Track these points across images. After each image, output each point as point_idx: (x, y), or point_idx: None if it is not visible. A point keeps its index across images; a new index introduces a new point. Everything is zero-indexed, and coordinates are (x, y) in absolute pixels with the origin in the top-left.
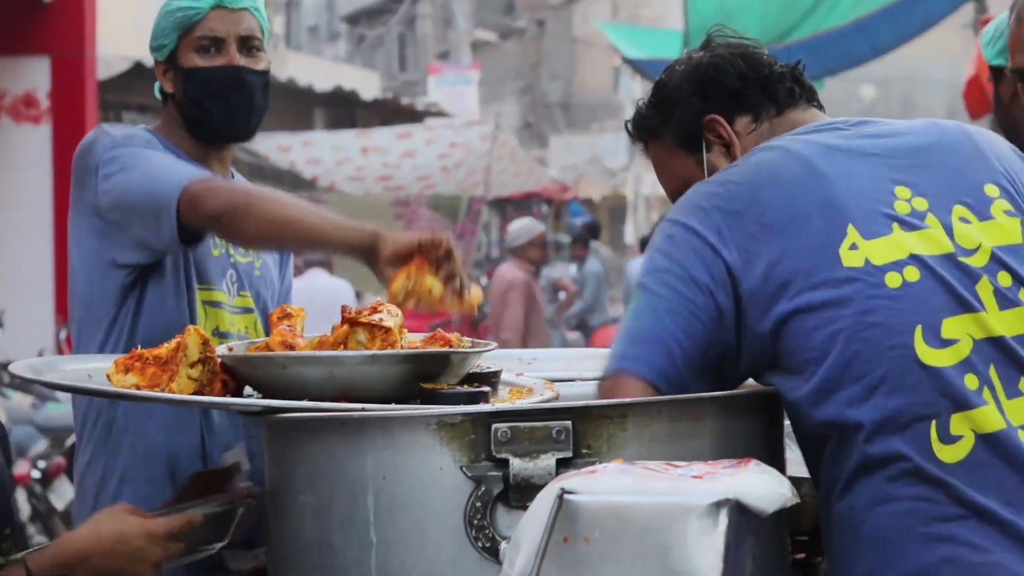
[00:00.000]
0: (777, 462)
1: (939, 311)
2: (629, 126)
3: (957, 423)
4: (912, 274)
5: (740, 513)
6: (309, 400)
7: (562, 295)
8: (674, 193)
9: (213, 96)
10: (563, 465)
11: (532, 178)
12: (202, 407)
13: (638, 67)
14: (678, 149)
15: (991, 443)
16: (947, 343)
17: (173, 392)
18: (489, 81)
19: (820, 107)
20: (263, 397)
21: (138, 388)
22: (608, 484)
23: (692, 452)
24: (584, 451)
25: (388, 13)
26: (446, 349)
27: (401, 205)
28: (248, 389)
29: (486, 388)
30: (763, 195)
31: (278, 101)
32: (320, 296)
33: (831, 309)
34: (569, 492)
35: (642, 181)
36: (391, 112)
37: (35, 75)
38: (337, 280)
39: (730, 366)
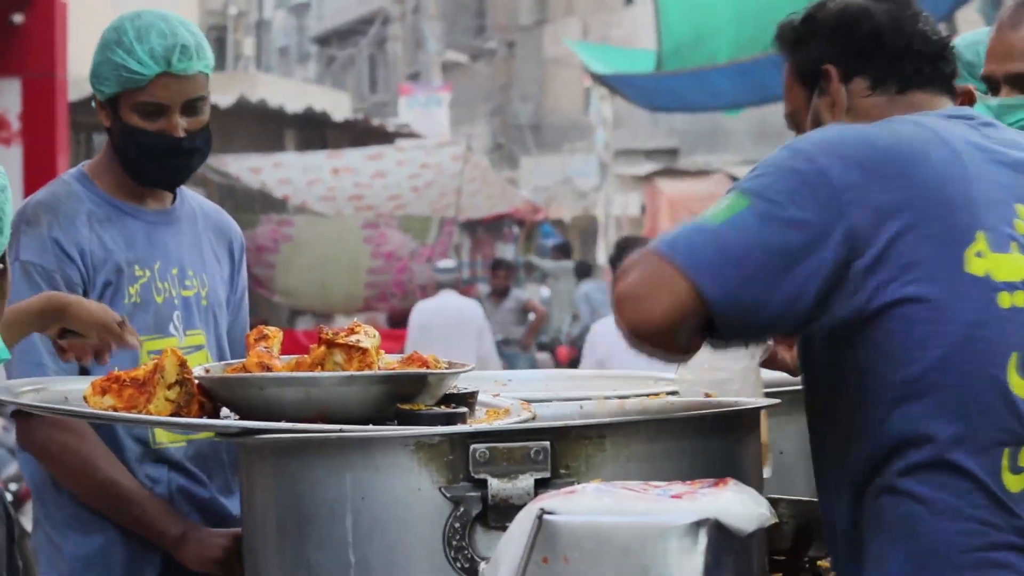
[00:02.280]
0: (755, 482)
1: None
2: (776, 31)
3: None
4: (1021, 299)
5: (719, 533)
6: (286, 421)
7: (531, 316)
8: (787, 115)
9: (149, 159)
10: (541, 485)
11: (504, 199)
12: (180, 428)
13: (607, 83)
14: (798, 79)
15: None
16: None
17: (150, 414)
18: (460, 102)
19: (952, 96)
20: (240, 418)
21: (115, 410)
22: (587, 504)
23: (670, 472)
24: (562, 471)
25: (358, 34)
26: (423, 370)
27: (371, 228)
28: (225, 410)
29: (463, 409)
30: (912, 169)
31: (249, 122)
32: (451, 314)
33: (945, 308)
34: (548, 512)
35: (612, 202)
36: (362, 133)
37: (6, 97)
38: (467, 300)
39: (791, 318)
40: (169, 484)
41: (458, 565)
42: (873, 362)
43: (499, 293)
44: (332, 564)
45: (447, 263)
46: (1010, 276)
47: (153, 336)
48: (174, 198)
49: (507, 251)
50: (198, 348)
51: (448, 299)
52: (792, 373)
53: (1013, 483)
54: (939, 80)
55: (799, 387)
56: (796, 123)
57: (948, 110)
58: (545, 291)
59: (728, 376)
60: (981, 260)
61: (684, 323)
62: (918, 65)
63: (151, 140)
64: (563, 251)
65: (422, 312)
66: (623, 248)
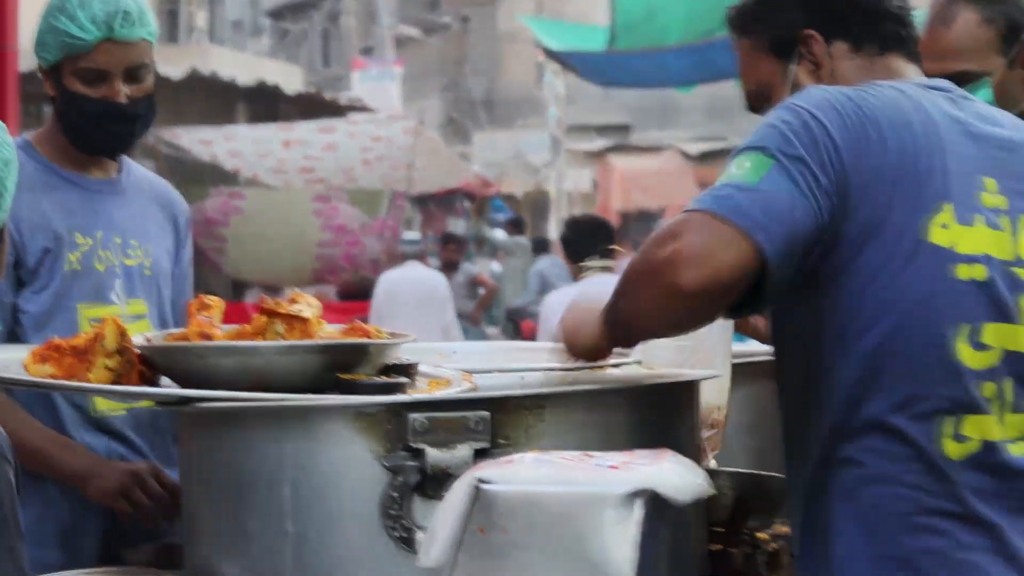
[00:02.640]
0: (693, 452)
1: (986, 315)
2: (729, 13)
3: (969, 425)
4: (979, 272)
5: (655, 503)
6: (226, 390)
7: (481, 291)
8: (750, 94)
9: (92, 125)
10: (481, 455)
11: (455, 174)
12: (120, 396)
13: (560, 59)
14: (767, 52)
15: (990, 450)
16: (983, 347)
17: (90, 382)
18: (413, 77)
19: (919, 63)
20: (180, 387)
21: (55, 378)
22: (524, 474)
23: (610, 442)
24: (501, 441)
25: (312, 8)
26: (363, 340)
27: (321, 201)
28: (166, 380)
29: (403, 379)
30: (892, 135)
31: (200, 95)
32: (417, 284)
33: (901, 276)
34: (485, 482)
35: (564, 177)
36: (314, 106)
37: None
38: (432, 271)
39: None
40: (109, 454)
41: (395, 534)
42: (830, 326)
43: (449, 267)
44: (270, 533)
45: (412, 235)
46: (972, 249)
47: (93, 304)
48: (119, 168)
49: (458, 226)
50: (139, 317)
51: (414, 270)
52: (764, 341)
53: (954, 450)
54: (910, 45)
55: (739, 360)
56: (762, 97)
57: (926, 81)
58: (496, 266)
59: (695, 344)
60: (946, 231)
61: (741, 283)
62: (895, 27)
63: (93, 106)
64: (516, 226)
65: (388, 281)
66: (574, 227)
